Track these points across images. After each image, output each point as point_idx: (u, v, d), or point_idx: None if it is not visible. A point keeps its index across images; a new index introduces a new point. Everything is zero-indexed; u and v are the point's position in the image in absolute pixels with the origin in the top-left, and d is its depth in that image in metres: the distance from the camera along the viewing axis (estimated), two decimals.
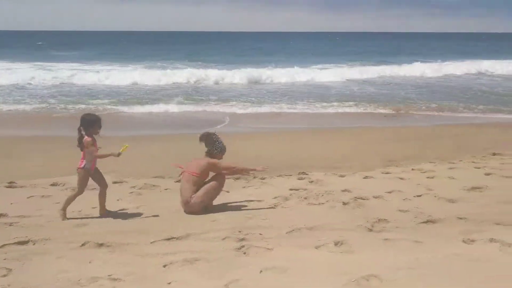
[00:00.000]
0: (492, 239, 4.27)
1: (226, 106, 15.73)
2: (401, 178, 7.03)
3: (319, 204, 5.64)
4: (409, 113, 15.54)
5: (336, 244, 4.19)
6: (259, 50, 55.83)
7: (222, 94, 18.39)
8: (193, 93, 18.71)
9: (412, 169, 7.66)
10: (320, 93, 19.33)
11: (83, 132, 4.98)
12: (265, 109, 15.35)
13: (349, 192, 6.15)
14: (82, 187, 5.06)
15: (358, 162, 8.27)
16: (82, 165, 5.00)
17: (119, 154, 5.02)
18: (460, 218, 4.98)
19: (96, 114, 5.28)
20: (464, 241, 4.28)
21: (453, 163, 8.12)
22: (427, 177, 7.07)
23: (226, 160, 5.58)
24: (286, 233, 4.54)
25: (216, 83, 21.49)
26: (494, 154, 8.96)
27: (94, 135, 5.03)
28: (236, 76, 22.48)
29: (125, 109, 14.84)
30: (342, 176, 7.21)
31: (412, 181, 6.84)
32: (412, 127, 13.01)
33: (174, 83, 21.18)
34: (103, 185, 5.17)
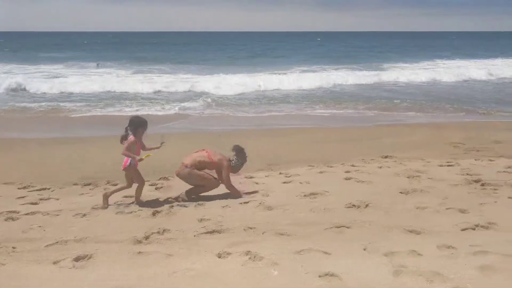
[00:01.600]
0: (249, 251, 4.06)
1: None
2: (256, 183, 6.81)
3: (130, 212, 5.43)
4: (360, 113, 15.47)
5: (77, 259, 3.98)
6: (248, 52, 55.50)
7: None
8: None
9: (280, 173, 7.43)
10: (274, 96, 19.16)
11: (130, 132, 5.50)
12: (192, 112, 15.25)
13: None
14: (140, 178, 5.68)
15: None
16: (128, 163, 5.52)
17: (140, 160, 5.55)
18: (250, 228, 4.75)
19: (143, 117, 5.75)
20: (218, 254, 4.06)
21: (331, 166, 7.89)
22: (283, 182, 6.85)
23: None
24: (45, 246, 4.34)
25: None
26: (385, 156, 8.72)
27: (138, 135, 5.57)
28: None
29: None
30: None
31: (263, 186, 6.61)
32: (347, 128, 12.82)
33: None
34: (140, 182, 5.71)
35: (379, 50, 56.86)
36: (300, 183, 6.72)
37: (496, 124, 12.82)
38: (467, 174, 6.98)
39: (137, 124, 5.57)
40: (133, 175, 5.68)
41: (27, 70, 28.05)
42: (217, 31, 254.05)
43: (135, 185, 5.81)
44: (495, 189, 6.02)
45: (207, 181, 5.96)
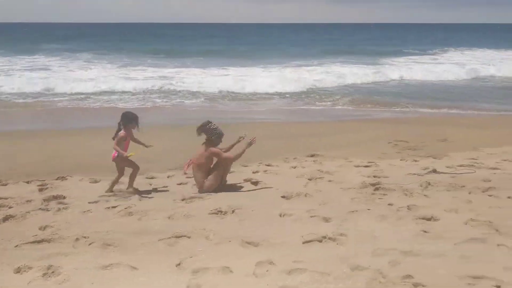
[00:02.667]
0: (51, 266, 3.75)
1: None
2: (150, 184, 6.51)
3: None
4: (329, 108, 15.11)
5: None
6: (247, 44, 54.89)
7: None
8: None
9: (184, 173, 7.07)
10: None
11: (122, 127, 5.79)
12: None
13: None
14: (133, 164, 6.00)
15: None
16: (117, 154, 5.77)
17: (127, 156, 5.81)
18: (84, 237, 4.43)
19: (134, 113, 6.01)
20: (18, 269, 3.75)
21: (246, 166, 7.52)
22: (178, 184, 6.54)
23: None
24: None
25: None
26: (312, 155, 8.33)
27: (132, 129, 5.91)
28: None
29: None
30: (95, 182, 6.68)
31: (154, 186, 6.32)
32: (297, 123, 12.46)
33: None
34: (134, 167, 6.03)
35: (386, 43, 55.63)
36: (194, 185, 6.37)
37: (456, 120, 12.28)
38: (374, 176, 6.57)
39: (129, 119, 5.83)
40: (124, 164, 5.96)
41: (11, 62, 27.98)
42: (223, 22, 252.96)
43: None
44: (384, 194, 5.60)
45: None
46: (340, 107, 15.41)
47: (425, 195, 5.52)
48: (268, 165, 7.50)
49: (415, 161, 7.63)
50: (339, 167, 7.29)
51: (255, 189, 6.09)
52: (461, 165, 7.11)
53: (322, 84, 20.13)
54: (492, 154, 7.98)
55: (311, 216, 4.85)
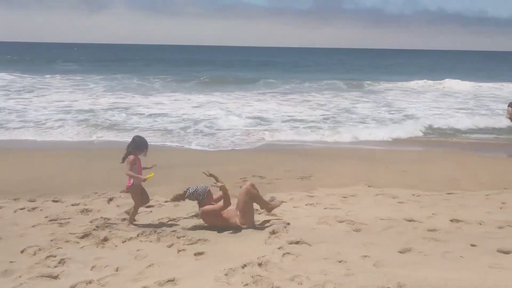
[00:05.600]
0: None
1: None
2: None
3: None
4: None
5: None
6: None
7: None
8: None
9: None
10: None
11: (131, 150, 5.41)
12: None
13: None
14: (138, 200, 5.51)
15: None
16: (131, 183, 5.38)
17: (144, 180, 5.35)
18: None
19: (145, 138, 5.65)
20: None
21: (33, 201, 6.83)
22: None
23: None
24: None
25: None
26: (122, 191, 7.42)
27: (139, 156, 5.47)
28: None
29: None
30: None
31: None
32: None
33: None
34: (143, 201, 5.60)
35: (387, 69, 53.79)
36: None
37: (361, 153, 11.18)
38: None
39: (139, 144, 5.47)
40: (133, 195, 5.51)
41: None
42: (264, 46, 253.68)
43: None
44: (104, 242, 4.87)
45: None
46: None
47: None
48: (55, 201, 6.76)
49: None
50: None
51: None
52: None
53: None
54: (313, 197, 6.97)
55: None
